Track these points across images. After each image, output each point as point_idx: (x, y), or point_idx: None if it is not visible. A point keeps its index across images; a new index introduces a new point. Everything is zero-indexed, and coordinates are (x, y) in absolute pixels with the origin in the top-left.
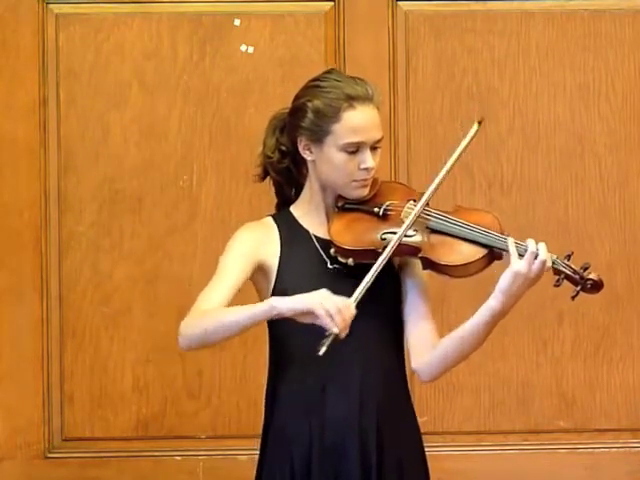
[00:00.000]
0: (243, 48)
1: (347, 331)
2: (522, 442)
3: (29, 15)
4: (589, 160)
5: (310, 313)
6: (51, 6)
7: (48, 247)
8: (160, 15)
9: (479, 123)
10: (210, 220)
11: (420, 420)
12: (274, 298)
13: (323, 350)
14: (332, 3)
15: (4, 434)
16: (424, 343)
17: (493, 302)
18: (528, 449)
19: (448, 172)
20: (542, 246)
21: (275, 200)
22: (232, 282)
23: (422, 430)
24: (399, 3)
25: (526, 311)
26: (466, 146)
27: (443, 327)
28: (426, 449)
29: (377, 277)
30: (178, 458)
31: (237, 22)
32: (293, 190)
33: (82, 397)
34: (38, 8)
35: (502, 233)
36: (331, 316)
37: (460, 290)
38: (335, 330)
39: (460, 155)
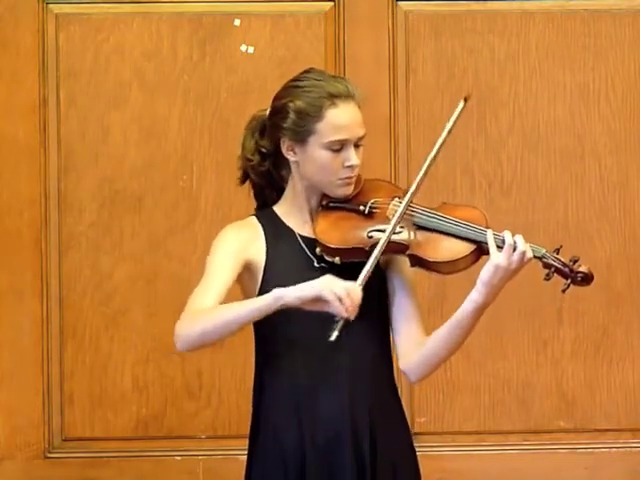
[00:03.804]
0: (243, 48)
1: (356, 314)
2: (522, 442)
3: (29, 15)
4: (589, 160)
5: (318, 300)
6: (51, 6)
7: (48, 247)
8: (160, 15)
9: (465, 100)
10: (210, 220)
11: (420, 420)
12: (277, 289)
13: (335, 335)
14: (332, 3)
15: (4, 434)
16: (411, 344)
17: (475, 295)
18: (528, 449)
19: (434, 160)
20: (519, 238)
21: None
22: (223, 281)
23: (422, 430)
24: (399, 3)
25: (526, 311)
26: (453, 125)
27: (442, 324)
28: (426, 449)
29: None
30: (178, 458)
31: (237, 22)
32: (274, 192)
33: (82, 397)
34: (38, 8)
35: (487, 227)
36: (340, 300)
37: (460, 289)
38: (345, 314)
39: (446, 138)
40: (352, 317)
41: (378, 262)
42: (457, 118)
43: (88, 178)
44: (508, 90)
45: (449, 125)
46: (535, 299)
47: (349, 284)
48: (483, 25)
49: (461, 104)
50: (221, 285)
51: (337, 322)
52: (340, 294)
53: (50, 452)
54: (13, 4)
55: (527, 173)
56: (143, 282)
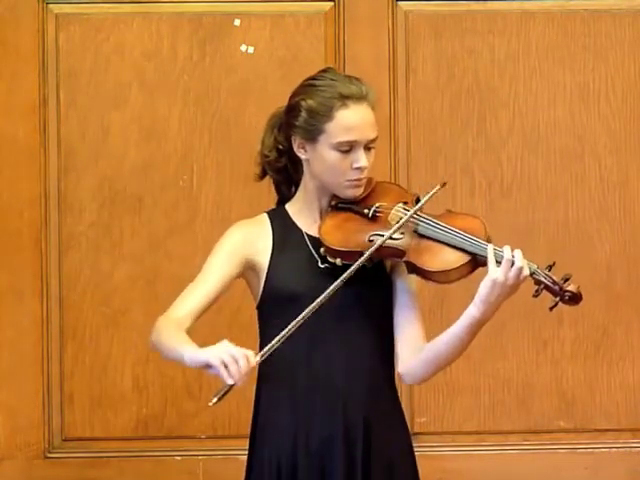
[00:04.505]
0: (243, 48)
1: (243, 381)
2: (522, 442)
3: (29, 15)
4: (589, 160)
5: (209, 366)
6: (51, 6)
7: (48, 247)
8: (160, 15)
9: (442, 186)
10: (210, 220)
11: (420, 420)
12: (188, 347)
13: (214, 401)
14: (332, 3)
15: (4, 434)
16: (410, 348)
17: (473, 310)
18: (528, 449)
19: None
20: (518, 253)
21: (276, 198)
22: (214, 284)
23: (422, 430)
24: (399, 3)
25: (526, 311)
26: (426, 201)
27: (443, 328)
28: (426, 449)
29: (369, 280)
30: (178, 458)
31: (237, 22)
32: (292, 188)
33: (82, 397)
34: (38, 8)
35: (488, 239)
36: (226, 367)
37: (460, 292)
38: (230, 381)
39: (421, 207)
40: (238, 384)
41: (384, 266)
42: (429, 198)
43: (88, 178)
44: (508, 90)
45: (421, 203)
46: (535, 299)
47: (240, 352)
48: (483, 25)
49: (437, 187)
50: (210, 287)
51: (223, 387)
52: (226, 361)
53: (50, 452)
54: (13, 4)
55: (527, 173)
56: (143, 282)
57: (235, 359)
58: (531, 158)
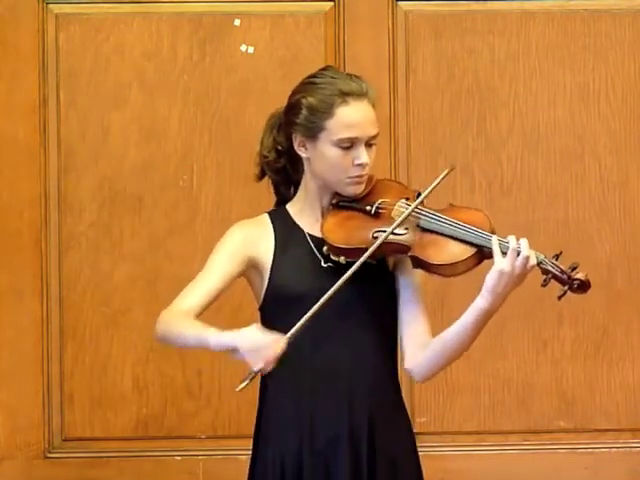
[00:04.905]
0: (243, 48)
1: (271, 367)
2: (522, 442)
3: (29, 15)
4: (589, 160)
5: (236, 350)
6: (51, 6)
7: (48, 247)
8: (160, 15)
9: (450, 170)
10: (210, 220)
11: (420, 420)
12: (212, 331)
13: (241, 387)
14: (332, 3)
15: (4, 434)
16: (417, 344)
17: (481, 302)
18: (528, 449)
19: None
20: (524, 242)
21: (275, 198)
22: (215, 282)
23: (422, 430)
24: (399, 3)
25: (526, 311)
26: (436, 186)
27: (443, 327)
28: (426, 449)
29: (371, 277)
30: (178, 458)
31: (237, 22)
32: (292, 189)
33: (82, 397)
34: (38, 8)
35: (492, 231)
36: (255, 353)
37: (460, 290)
38: (256, 368)
39: (431, 192)
40: (266, 370)
41: (387, 263)
42: (439, 183)
43: (88, 178)
44: (508, 90)
45: (423, 195)
46: (535, 299)
47: (269, 338)
48: (483, 25)
49: (445, 171)
50: (211, 285)
51: (250, 373)
52: (255, 347)
53: (50, 452)
54: (13, 4)
55: (527, 173)
56: (143, 282)
57: (264, 345)
58: (531, 158)
